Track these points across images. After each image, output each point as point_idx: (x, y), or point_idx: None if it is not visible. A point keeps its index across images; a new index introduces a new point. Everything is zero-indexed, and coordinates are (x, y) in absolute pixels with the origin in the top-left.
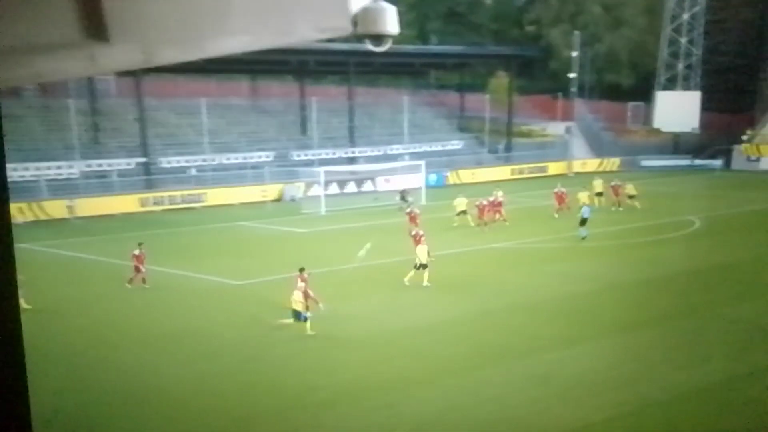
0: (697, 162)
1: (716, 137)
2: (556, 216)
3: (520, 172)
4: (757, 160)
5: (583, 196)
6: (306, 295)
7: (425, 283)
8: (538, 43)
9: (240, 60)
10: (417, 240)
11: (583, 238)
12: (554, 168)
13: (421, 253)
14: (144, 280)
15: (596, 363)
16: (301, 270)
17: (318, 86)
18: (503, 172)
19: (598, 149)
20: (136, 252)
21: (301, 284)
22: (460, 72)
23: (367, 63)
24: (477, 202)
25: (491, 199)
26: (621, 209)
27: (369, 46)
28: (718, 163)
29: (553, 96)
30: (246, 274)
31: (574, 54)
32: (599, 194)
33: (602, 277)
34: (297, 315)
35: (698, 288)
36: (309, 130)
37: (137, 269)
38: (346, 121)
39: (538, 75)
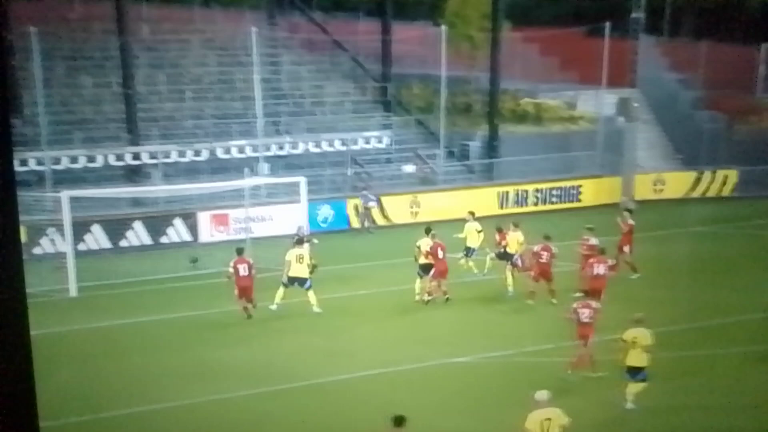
0: None
1: None
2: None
3: (519, 200)
4: None
5: None
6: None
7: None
8: None
9: None
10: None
11: None
12: (593, 191)
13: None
14: None
15: None
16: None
17: (35, 3)
18: (482, 199)
19: (692, 150)
20: None
21: None
22: None
23: None
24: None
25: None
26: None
27: None
28: None
29: (591, 31)
30: None
31: None
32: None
33: None
34: None
35: None
36: (25, 105)
37: None
38: (115, 85)
39: None
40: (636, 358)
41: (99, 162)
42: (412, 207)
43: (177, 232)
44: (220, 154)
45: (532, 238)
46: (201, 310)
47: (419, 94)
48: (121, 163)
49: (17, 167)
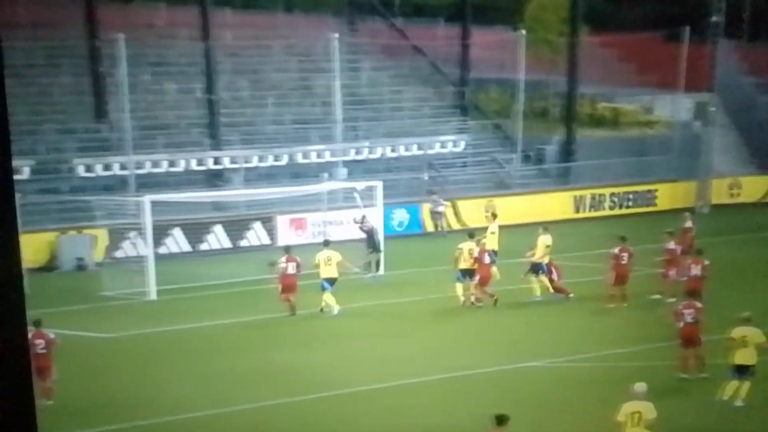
0: None
1: None
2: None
3: (594, 204)
4: None
5: None
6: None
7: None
8: None
9: None
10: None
11: None
12: (669, 195)
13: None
14: None
15: None
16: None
17: (123, 10)
18: (558, 203)
19: None
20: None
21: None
22: None
23: None
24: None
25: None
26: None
27: None
28: None
29: (669, 36)
30: None
31: None
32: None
33: None
34: None
35: None
36: (110, 109)
37: None
38: (198, 90)
39: None
40: (746, 357)
41: (181, 166)
42: (487, 211)
43: (257, 235)
44: (300, 159)
45: (608, 242)
46: (275, 313)
47: (496, 98)
48: (202, 168)
49: (101, 172)
